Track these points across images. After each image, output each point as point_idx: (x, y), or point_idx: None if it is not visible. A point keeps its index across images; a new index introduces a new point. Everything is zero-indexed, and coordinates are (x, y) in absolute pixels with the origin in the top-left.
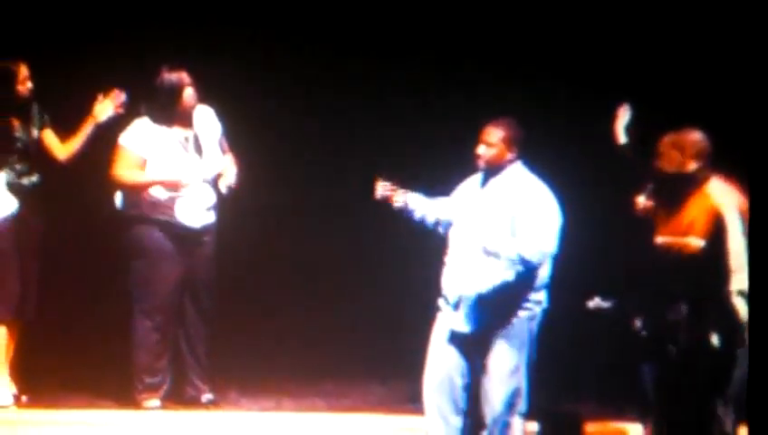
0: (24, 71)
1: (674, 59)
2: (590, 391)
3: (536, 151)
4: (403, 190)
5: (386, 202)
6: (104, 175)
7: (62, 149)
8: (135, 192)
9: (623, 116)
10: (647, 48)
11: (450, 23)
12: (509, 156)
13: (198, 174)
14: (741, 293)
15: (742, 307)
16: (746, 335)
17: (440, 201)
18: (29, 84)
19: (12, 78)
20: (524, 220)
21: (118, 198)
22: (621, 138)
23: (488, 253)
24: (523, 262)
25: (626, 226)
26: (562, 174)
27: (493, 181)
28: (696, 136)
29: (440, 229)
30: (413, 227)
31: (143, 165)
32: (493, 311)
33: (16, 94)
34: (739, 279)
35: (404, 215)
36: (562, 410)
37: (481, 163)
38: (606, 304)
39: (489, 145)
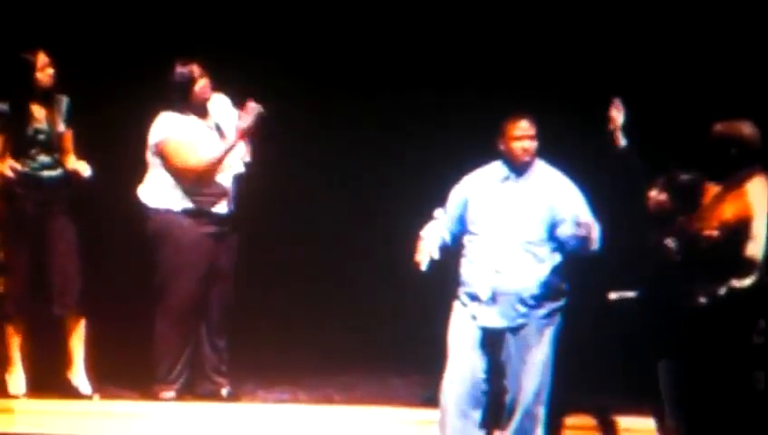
0: (42, 58)
1: (680, 53)
2: (612, 384)
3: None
4: (431, 248)
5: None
6: (139, 171)
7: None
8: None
9: (618, 116)
10: (654, 44)
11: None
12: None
13: (230, 160)
14: (729, 292)
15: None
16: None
17: (442, 223)
18: (49, 71)
19: (29, 67)
20: (575, 209)
21: (143, 191)
22: (621, 140)
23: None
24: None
25: (632, 220)
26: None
27: (525, 175)
28: (745, 130)
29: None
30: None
31: (196, 150)
32: (529, 304)
33: (36, 83)
34: (745, 280)
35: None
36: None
37: (527, 157)
38: (629, 294)
39: (533, 138)
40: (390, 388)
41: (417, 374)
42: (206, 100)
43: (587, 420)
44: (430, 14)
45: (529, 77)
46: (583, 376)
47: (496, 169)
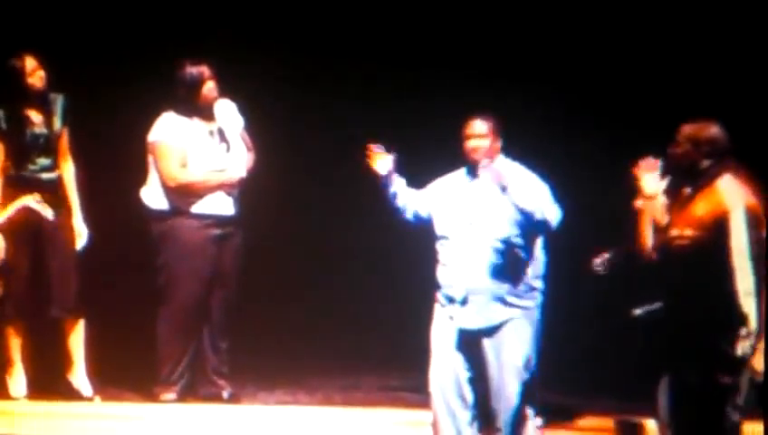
0: (30, 63)
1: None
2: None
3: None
4: (390, 156)
5: (370, 165)
6: (136, 171)
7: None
8: (179, 187)
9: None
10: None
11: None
12: (496, 146)
13: (228, 164)
14: (747, 292)
15: (748, 307)
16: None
17: (419, 194)
18: (40, 74)
19: (19, 72)
20: (530, 194)
21: (146, 193)
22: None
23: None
24: (548, 225)
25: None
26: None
27: (485, 174)
28: (712, 130)
29: (413, 220)
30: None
31: (185, 157)
32: (503, 304)
33: (29, 88)
34: (743, 278)
35: (384, 188)
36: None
37: (477, 157)
38: (655, 307)
39: (482, 137)
40: (390, 389)
41: (417, 376)
42: (213, 102)
43: (580, 421)
44: (434, 16)
45: (526, 75)
46: (577, 376)
47: (461, 172)
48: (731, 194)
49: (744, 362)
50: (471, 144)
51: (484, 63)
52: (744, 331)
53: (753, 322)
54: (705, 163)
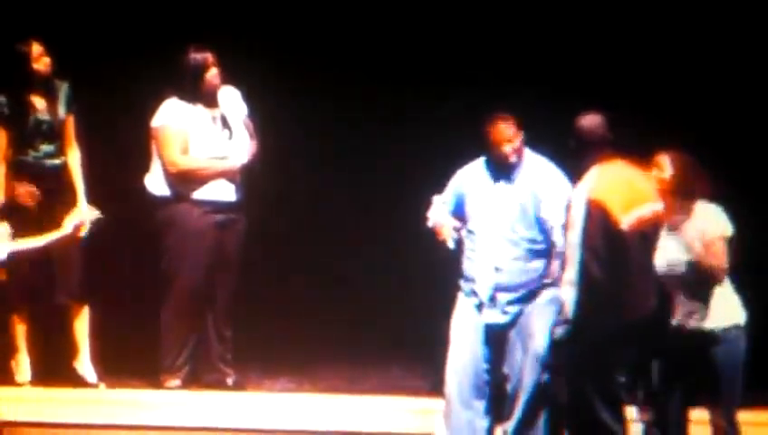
0: (36, 48)
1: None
2: None
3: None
4: (448, 223)
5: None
6: (140, 157)
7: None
8: (180, 173)
9: None
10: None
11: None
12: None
13: (230, 151)
14: (568, 282)
15: (566, 295)
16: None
17: (449, 201)
18: (45, 60)
19: (24, 57)
20: (552, 209)
21: (150, 180)
22: None
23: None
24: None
25: None
26: None
27: (516, 171)
28: (581, 121)
29: None
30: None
31: (187, 142)
32: (528, 298)
33: (34, 73)
34: (568, 268)
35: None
36: None
37: (514, 157)
38: None
39: (513, 139)
40: (394, 377)
41: (420, 364)
42: (216, 88)
43: None
44: (432, 12)
45: (525, 72)
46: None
47: (488, 165)
48: (579, 187)
49: (561, 346)
50: (506, 149)
51: (474, 62)
52: (560, 317)
53: (567, 309)
54: (579, 153)
